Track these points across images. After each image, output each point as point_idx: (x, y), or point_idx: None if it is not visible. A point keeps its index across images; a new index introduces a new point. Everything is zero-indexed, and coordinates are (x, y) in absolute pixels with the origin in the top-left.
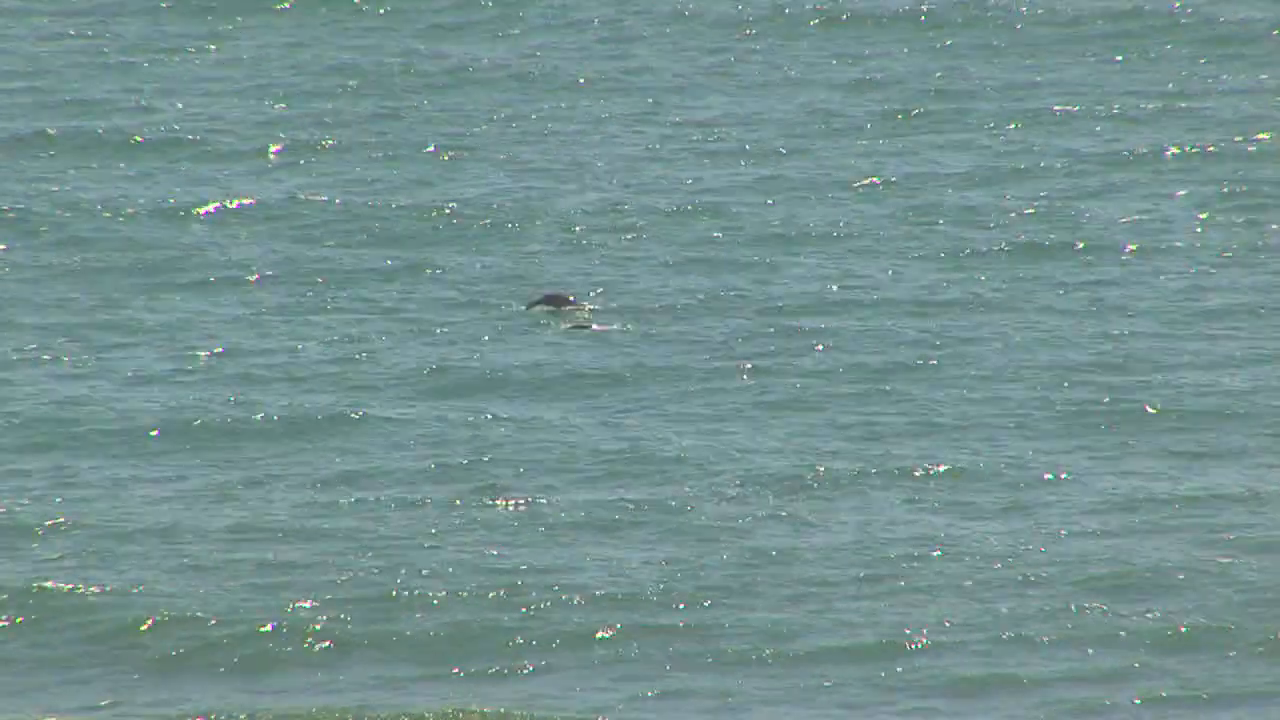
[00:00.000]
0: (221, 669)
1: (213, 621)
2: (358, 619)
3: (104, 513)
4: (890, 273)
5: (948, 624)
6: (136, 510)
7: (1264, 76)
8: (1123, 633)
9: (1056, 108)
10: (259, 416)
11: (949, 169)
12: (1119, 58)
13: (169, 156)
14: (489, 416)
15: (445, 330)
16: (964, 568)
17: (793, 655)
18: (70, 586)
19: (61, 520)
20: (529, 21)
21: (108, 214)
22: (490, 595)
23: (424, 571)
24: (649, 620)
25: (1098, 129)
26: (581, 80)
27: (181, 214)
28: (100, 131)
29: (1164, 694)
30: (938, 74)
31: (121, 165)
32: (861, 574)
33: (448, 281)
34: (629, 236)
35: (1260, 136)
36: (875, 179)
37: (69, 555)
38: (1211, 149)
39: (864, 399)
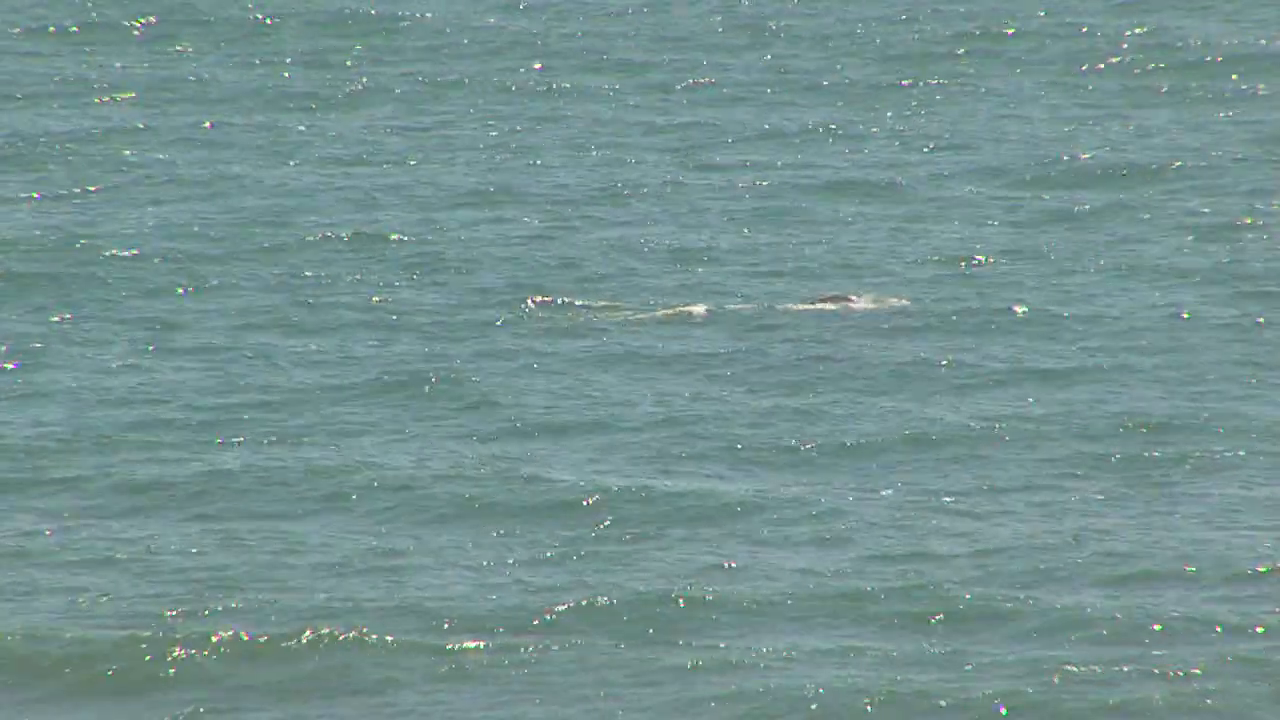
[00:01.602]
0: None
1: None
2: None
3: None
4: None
5: (902, 651)
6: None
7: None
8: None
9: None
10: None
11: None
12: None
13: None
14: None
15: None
16: (924, 593)
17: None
18: None
19: None
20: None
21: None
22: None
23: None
24: (607, 644)
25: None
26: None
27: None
28: None
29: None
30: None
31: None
32: (820, 592)
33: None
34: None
35: (1233, 155)
36: (866, 180)
37: None
38: (1180, 167)
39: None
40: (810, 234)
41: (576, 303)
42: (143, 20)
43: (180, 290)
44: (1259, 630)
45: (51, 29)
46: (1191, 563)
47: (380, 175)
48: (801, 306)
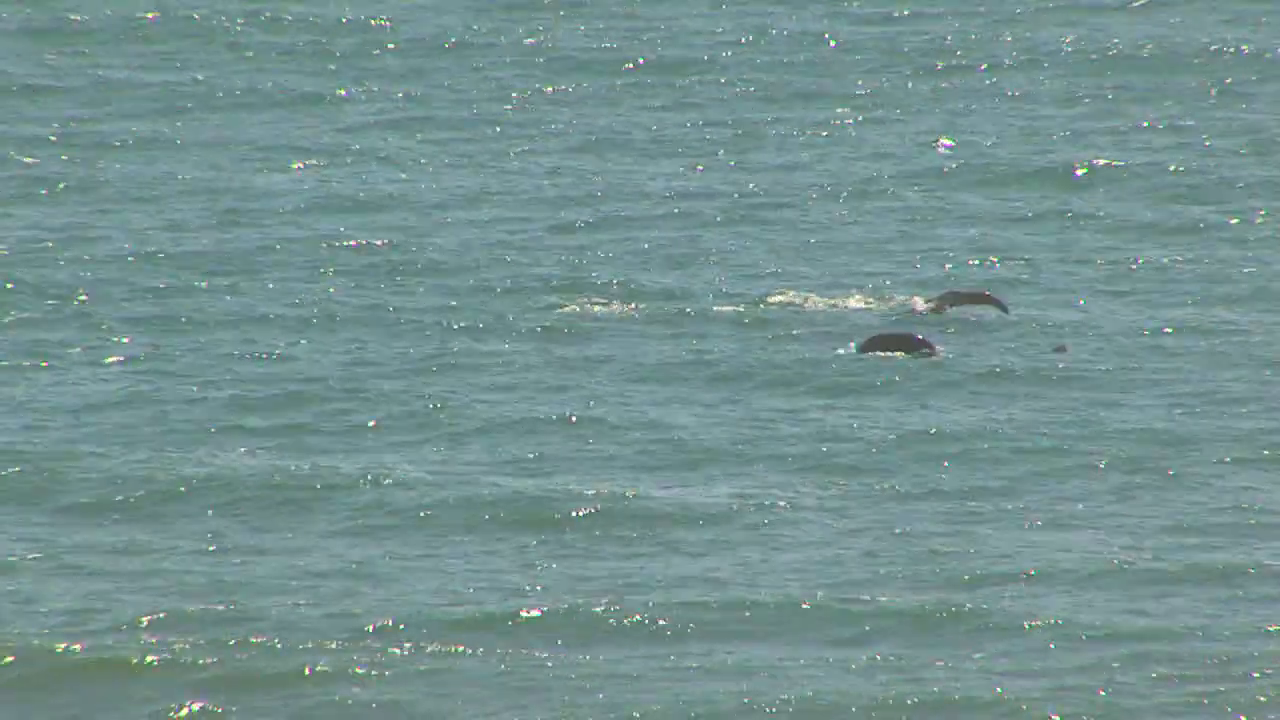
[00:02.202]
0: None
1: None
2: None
3: None
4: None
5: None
6: None
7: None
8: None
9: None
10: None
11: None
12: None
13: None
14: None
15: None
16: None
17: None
18: None
19: None
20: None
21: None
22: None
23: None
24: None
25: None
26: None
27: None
28: None
29: None
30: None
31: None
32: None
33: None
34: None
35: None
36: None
37: None
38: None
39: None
40: (807, 235)
41: (571, 305)
42: (139, 22)
43: (169, 296)
44: (1271, 629)
45: (48, 30)
46: (1188, 571)
47: (370, 179)
48: (794, 308)
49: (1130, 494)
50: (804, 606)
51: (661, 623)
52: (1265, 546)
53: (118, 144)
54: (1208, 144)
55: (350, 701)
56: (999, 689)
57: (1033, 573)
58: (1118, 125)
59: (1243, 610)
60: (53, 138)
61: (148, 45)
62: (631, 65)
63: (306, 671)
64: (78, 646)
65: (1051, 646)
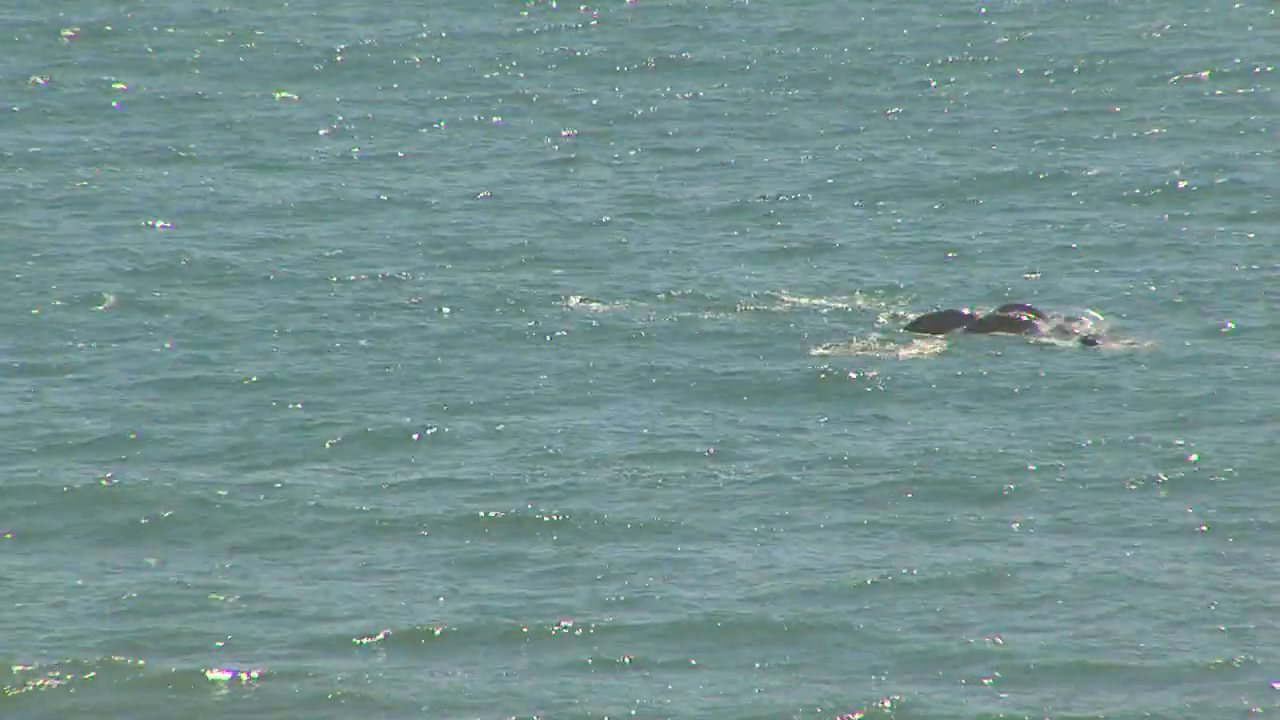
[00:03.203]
0: None
1: None
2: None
3: None
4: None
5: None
6: None
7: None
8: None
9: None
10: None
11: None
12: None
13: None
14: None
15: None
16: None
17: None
18: None
19: None
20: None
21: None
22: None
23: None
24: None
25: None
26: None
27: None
28: None
29: None
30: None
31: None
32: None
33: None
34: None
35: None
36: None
37: None
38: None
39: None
40: (804, 238)
41: (566, 307)
42: (133, 25)
43: (162, 302)
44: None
45: (43, 34)
46: (1144, 593)
47: (364, 182)
48: (791, 312)
49: (1128, 501)
50: (803, 620)
51: (653, 630)
52: (1266, 555)
53: (107, 150)
54: (1210, 146)
55: (340, 702)
56: (990, 706)
57: (1029, 584)
58: (1116, 127)
59: (1239, 616)
60: (33, 148)
61: (131, 43)
62: (631, 64)
63: (296, 682)
64: (40, 664)
65: (1048, 659)
